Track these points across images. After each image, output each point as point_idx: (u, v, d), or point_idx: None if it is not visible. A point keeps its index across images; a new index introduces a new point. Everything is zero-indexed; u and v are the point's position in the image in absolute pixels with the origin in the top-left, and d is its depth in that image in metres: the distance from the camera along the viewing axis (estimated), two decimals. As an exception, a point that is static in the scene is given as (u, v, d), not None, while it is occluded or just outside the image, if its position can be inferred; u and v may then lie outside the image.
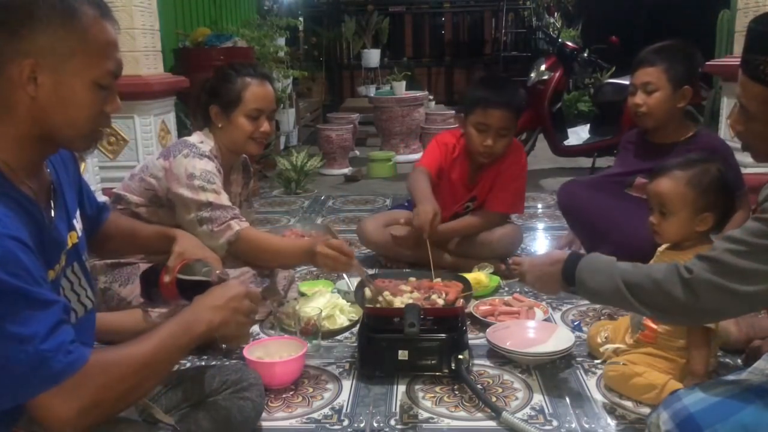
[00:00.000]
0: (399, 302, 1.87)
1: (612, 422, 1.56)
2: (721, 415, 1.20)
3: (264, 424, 1.57)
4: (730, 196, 1.66)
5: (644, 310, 1.34)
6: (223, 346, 1.94)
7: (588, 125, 5.18)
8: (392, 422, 1.58)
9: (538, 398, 1.67)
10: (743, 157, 3.72)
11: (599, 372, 1.78)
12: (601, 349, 1.76)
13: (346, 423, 1.58)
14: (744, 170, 3.72)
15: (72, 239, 1.16)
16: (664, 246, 1.77)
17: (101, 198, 2.74)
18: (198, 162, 1.96)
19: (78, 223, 1.21)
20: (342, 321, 2.11)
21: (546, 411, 1.61)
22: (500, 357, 1.88)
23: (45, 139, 1.06)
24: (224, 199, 1.97)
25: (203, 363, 1.89)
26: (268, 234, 2.12)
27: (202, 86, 2.12)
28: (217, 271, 1.36)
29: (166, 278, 1.39)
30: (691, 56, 2.34)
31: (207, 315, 1.14)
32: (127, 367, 1.01)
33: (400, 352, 1.73)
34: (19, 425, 1.01)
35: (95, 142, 1.12)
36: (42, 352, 0.91)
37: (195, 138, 2.07)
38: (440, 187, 2.67)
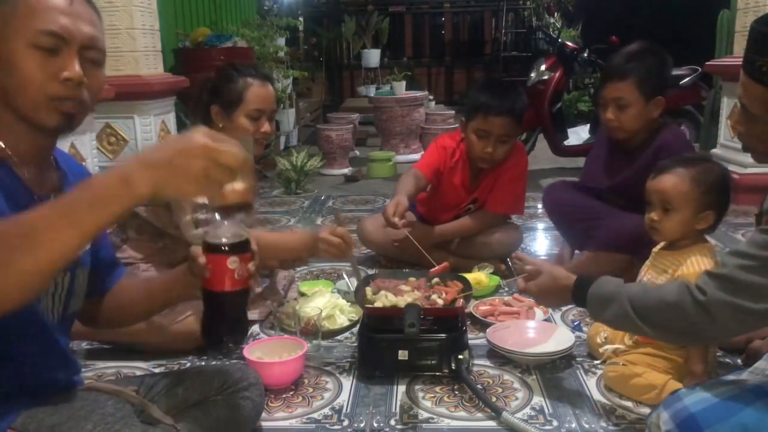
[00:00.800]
0: (403, 302, 1.87)
1: (612, 422, 1.56)
2: (722, 415, 1.20)
3: (264, 424, 1.57)
4: (729, 195, 1.68)
5: (658, 335, 1.34)
6: (229, 345, 1.93)
7: (588, 125, 5.19)
8: (392, 422, 1.58)
9: (538, 398, 1.67)
10: (744, 157, 3.73)
11: (599, 372, 1.78)
12: (601, 350, 1.76)
13: (346, 423, 1.58)
14: (744, 170, 3.73)
15: None
16: (659, 246, 1.77)
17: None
18: None
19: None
20: (342, 321, 2.11)
21: (546, 411, 1.61)
22: (500, 357, 1.88)
23: (19, 119, 1.04)
24: None
25: (203, 363, 1.89)
26: (265, 232, 2.12)
27: (202, 85, 2.12)
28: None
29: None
30: (662, 64, 2.26)
31: (137, 186, 0.84)
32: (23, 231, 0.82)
33: (400, 352, 1.73)
34: (15, 425, 1.01)
35: (63, 116, 1.05)
36: None
37: None
38: (441, 190, 2.67)
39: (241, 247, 1.13)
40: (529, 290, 1.62)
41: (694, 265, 1.63)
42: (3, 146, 1.04)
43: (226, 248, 1.13)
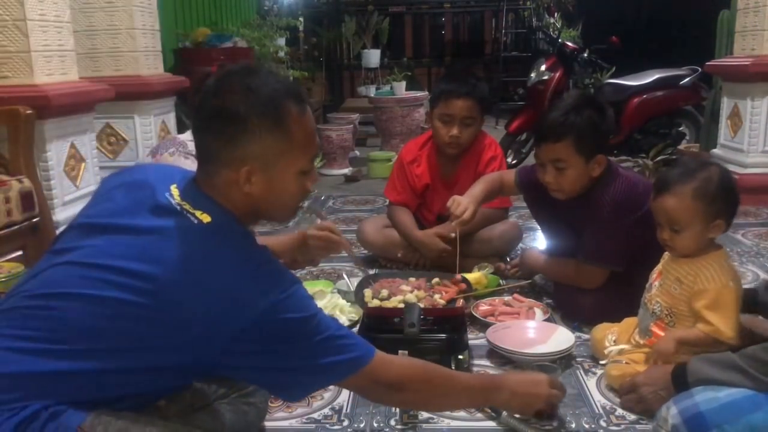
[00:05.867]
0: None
1: (612, 422, 1.56)
2: (731, 415, 1.21)
3: (264, 424, 1.57)
4: (736, 194, 1.61)
5: None
6: None
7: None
8: (392, 422, 1.58)
9: (538, 398, 1.67)
10: (743, 157, 3.73)
11: (599, 372, 1.78)
12: (606, 351, 1.75)
13: (346, 423, 1.58)
14: (744, 170, 3.73)
15: None
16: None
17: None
18: (182, 162, 1.94)
19: None
20: (342, 321, 2.11)
21: (546, 411, 1.61)
22: (500, 357, 1.87)
23: (258, 216, 1.19)
24: None
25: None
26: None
27: (202, 81, 2.10)
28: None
29: None
30: (602, 118, 2.03)
31: (507, 394, 1.35)
32: (423, 377, 1.23)
33: (400, 352, 1.73)
34: (84, 426, 1.01)
35: (296, 214, 1.25)
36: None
37: (186, 135, 2.07)
38: (421, 192, 2.74)
39: None
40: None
41: (713, 281, 1.57)
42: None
43: None
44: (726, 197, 1.59)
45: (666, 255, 1.74)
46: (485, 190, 2.29)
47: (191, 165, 1.94)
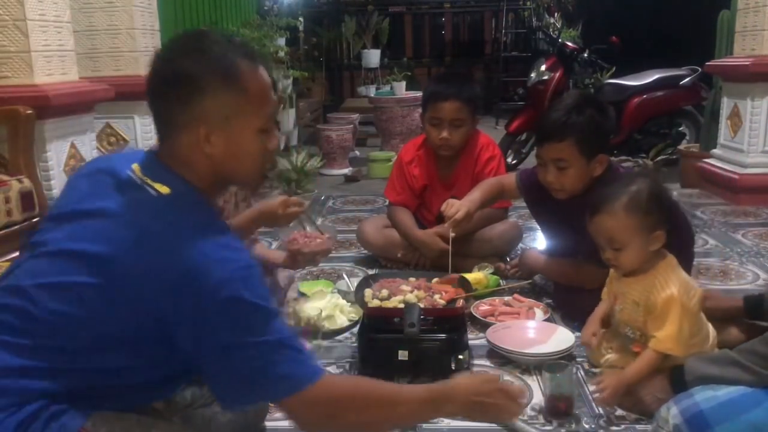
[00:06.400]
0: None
1: (612, 422, 1.56)
2: (732, 413, 1.21)
3: (264, 424, 1.57)
4: (668, 203, 1.61)
5: None
6: None
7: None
8: (392, 422, 1.57)
9: (538, 398, 1.67)
10: (743, 157, 3.73)
11: (598, 372, 1.77)
12: (603, 360, 1.75)
13: (346, 423, 1.58)
14: (744, 170, 3.73)
15: None
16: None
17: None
18: None
19: None
20: (342, 321, 2.11)
21: (546, 411, 1.61)
22: (500, 357, 1.87)
23: (223, 182, 1.17)
24: None
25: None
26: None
27: None
28: None
29: None
30: (603, 118, 2.04)
31: (459, 405, 1.19)
32: (363, 399, 1.11)
33: (400, 352, 1.73)
34: (86, 426, 1.01)
35: (265, 176, 1.23)
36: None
37: None
38: (419, 193, 2.75)
39: None
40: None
41: (663, 290, 1.56)
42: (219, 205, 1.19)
43: None
44: (659, 207, 1.58)
45: (611, 274, 1.72)
46: (484, 195, 2.29)
47: None
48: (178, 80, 1.07)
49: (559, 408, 1.55)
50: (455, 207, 2.17)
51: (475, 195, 2.28)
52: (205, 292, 0.97)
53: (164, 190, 1.06)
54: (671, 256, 1.65)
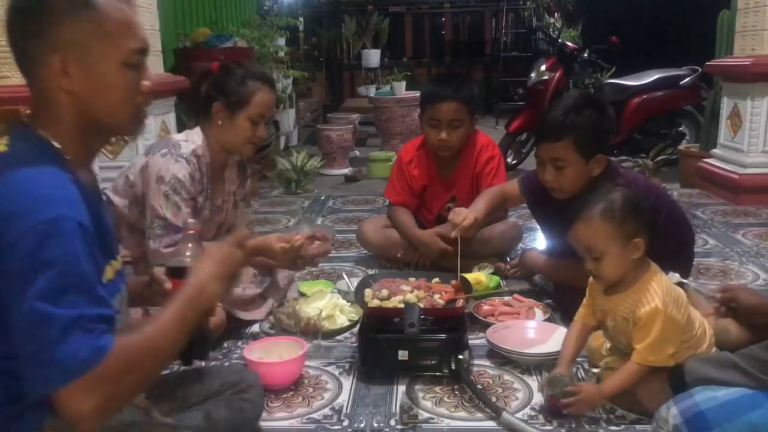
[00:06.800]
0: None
1: (612, 422, 1.56)
2: (731, 414, 1.21)
3: (264, 424, 1.57)
4: (647, 212, 1.59)
5: None
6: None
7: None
8: (392, 422, 1.58)
9: (538, 398, 1.67)
10: (743, 157, 3.73)
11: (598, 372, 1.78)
12: (602, 363, 1.74)
13: (346, 423, 1.58)
14: (744, 170, 3.73)
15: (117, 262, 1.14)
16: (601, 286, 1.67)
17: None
18: (172, 165, 1.93)
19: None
20: (342, 321, 2.11)
21: (546, 411, 1.61)
22: (500, 357, 1.87)
23: (93, 129, 1.08)
24: (182, 217, 1.90)
25: (203, 365, 1.89)
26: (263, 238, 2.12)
27: (202, 77, 2.08)
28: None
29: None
30: (602, 118, 2.01)
31: (211, 287, 1.09)
32: (144, 354, 0.98)
33: (400, 352, 1.73)
34: (46, 423, 1.00)
35: (140, 123, 1.13)
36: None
37: (181, 136, 2.06)
38: (419, 193, 2.75)
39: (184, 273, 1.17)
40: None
41: (648, 303, 1.54)
42: (68, 157, 1.05)
43: (181, 273, 1.19)
44: (635, 215, 1.56)
45: (595, 288, 1.68)
46: (488, 204, 2.30)
47: (179, 170, 1.95)
48: (29, 10, 1.02)
49: (559, 408, 1.55)
50: (463, 215, 2.17)
51: (480, 204, 2.28)
52: (5, 246, 0.90)
53: (1, 148, 1.02)
54: (653, 265, 1.62)
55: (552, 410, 1.58)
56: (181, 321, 1.04)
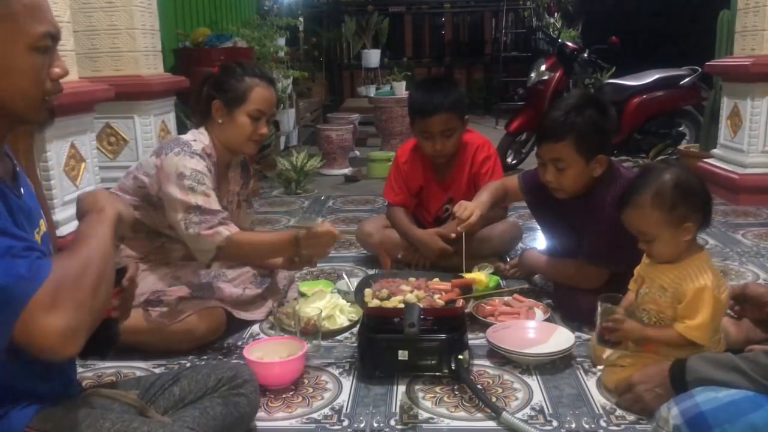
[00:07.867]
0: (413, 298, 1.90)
1: (612, 422, 1.56)
2: (732, 415, 1.21)
3: (264, 424, 1.57)
4: (698, 193, 1.58)
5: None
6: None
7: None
8: (392, 422, 1.58)
9: (538, 398, 1.67)
10: (743, 157, 3.73)
11: (599, 372, 1.78)
12: (605, 356, 1.75)
13: (346, 423, 1.58)
14: (744, 170, 3.73)
15: (41, 228, 1.14)
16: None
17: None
18: (189, 161, 1.94)
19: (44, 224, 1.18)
20: (342, 321, 2.11)
21: (546, 411, 1.61)
22: (500, 357, 1.87)
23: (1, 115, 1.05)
24: (213, 202, 1.94)
25: (201, 362, 1.89)
26: (253, 235, 2.12)
27: (204, 79, 2.10)
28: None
29: None
30: (603, 118, 2.00)
31: (107, 210, 1.13)
32: (84, 264, 1.00)
33: (400, 352, 1.73)
34: (31, 425, 1.01)
35: (49, 112, 1.10)
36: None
37: (189, 136, 2.07)
38: (416, 193, 2.75)
39: None
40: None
41: (696, 280, 1.56)
42: None
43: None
44: (685, 200, 1.56)
45: (645, 260, 1.72)
46: (491, 198, 2.29)
47: (196, 164, 1.96)
48: None
49: (604, 335, 1.65)
50: (469, 210, 2.16)
51: (483, 198, 2.27)
52: None
53: None
54: (705, 251, 1.64)
55: (600, 338, 1.67)
56: (94, 237, 1.06)
